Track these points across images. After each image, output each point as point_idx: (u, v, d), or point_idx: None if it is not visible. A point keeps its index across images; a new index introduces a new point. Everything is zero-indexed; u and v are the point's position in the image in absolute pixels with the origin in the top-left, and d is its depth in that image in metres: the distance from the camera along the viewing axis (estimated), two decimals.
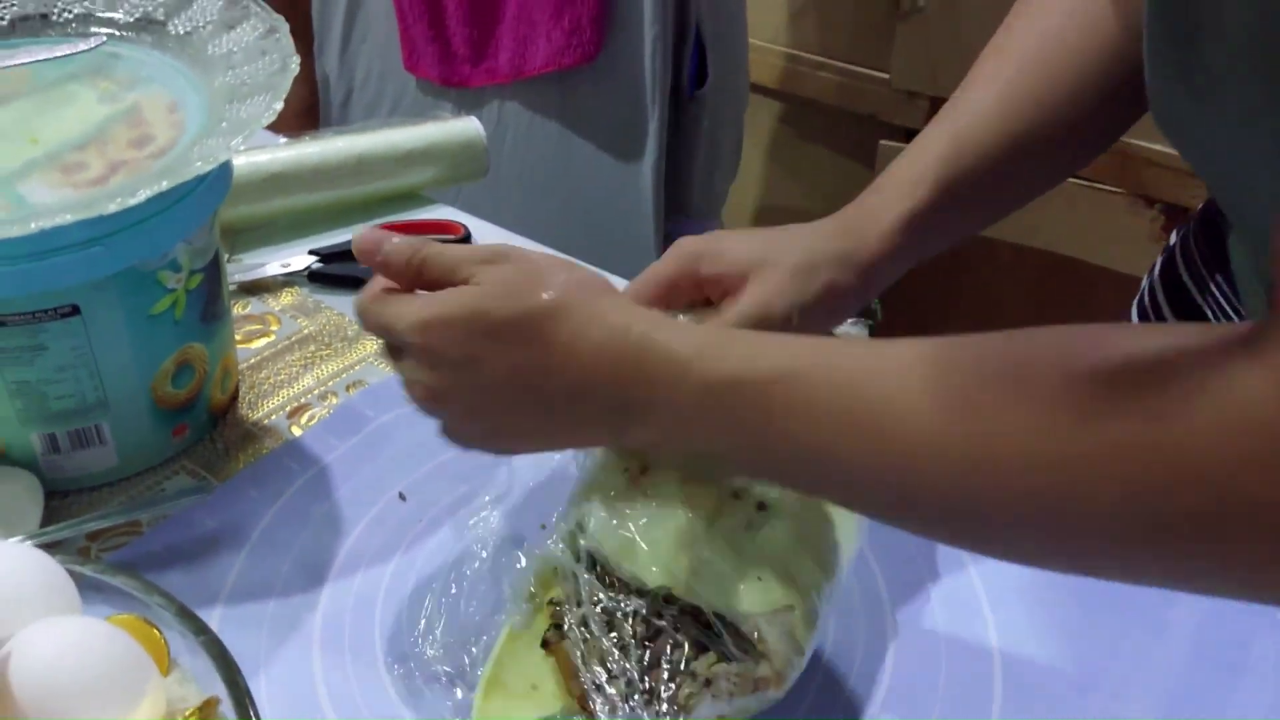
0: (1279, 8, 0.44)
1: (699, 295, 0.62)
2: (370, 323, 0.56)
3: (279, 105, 0.63)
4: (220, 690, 0.43)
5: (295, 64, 0.66)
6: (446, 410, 0.55)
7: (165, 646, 0.45)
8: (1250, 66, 0.46)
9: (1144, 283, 0.80)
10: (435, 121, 0.98)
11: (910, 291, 2.05)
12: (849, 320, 0.68)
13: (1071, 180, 1.67)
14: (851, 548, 0.57)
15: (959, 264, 1.82)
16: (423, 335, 0.52)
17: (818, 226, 0.63)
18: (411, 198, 0.98)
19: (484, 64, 1.08)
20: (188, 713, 0.42)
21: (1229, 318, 0.71)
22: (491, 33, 1.06)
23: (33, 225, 0.54)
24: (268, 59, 0.68)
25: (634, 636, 0.52)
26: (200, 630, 0.44)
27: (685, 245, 0.62)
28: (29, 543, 0.60)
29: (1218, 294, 0.72)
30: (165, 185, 0.57)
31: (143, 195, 0.56)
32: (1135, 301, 0.81)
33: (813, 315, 0.60)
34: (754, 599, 0.52)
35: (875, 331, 0.74)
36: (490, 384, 0.52)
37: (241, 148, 0.60)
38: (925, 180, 0.62)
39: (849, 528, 0.57)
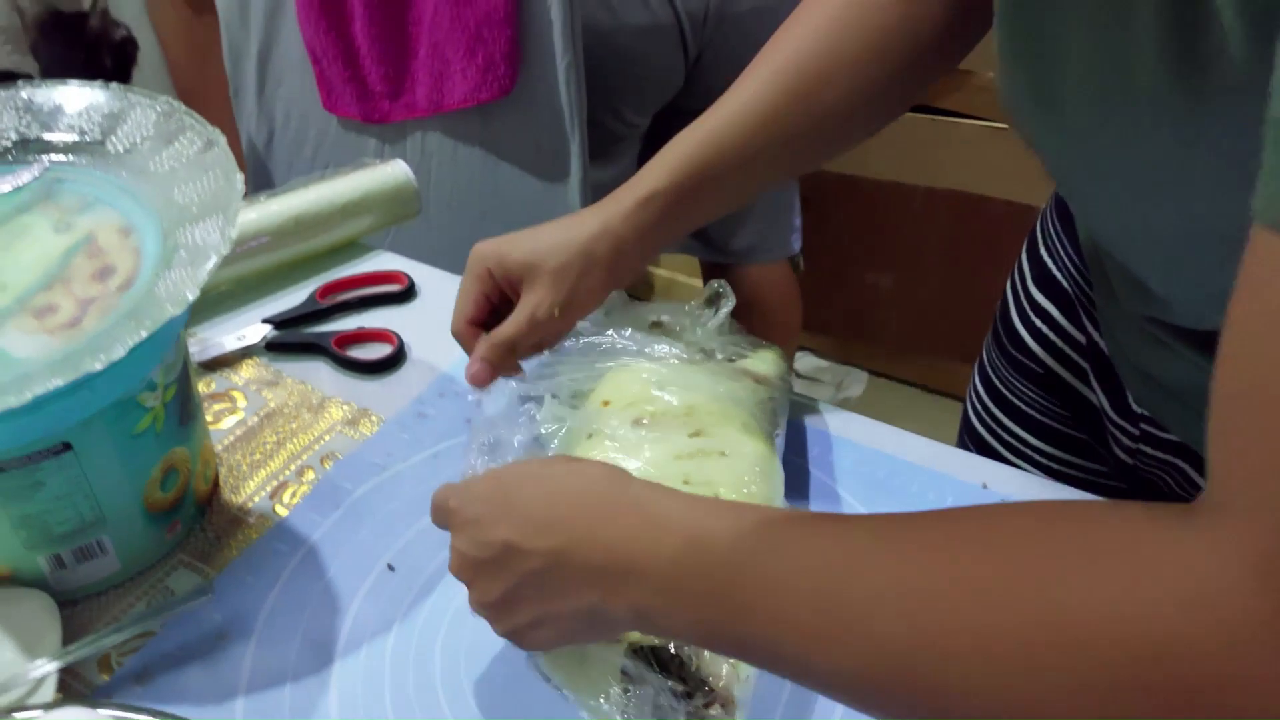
0: (1115, 40, 0.49)
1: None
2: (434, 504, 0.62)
3: (233, 233, 0.67)
4: None
5: (240, 181, 0.70)
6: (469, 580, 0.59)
7: None
8: (1089, 94, 0.52)
9: (1018, 259, 0.88)
10: (363, 169, 1.02)
11: (830, 239, 2.10)
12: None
13: (972, 122, 1.73)
14: None
15: (874, 210, 1.89)
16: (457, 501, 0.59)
17: (582, 214, 0.75)
18: (351, 247, 1.02)
19: (402, 99, 1.10)
20: None
21: (1078, 284, 0.80)
22: (406, 69, 1.08)
23: (28, 395, 0.58)
24: (210, 175, 0.71)
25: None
26: None
27: (477, 251, 0.74)
28: (55, 665, 0.65)
29: (1067, 262, 0.81)
30: (144, 334, 0.61)
31: (120, 351, 0.60)
32: (1011, 273, 0.89)
33: (576, 302, 0.74)
34: None
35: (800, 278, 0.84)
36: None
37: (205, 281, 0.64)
38: (668, 169, 0.73)
39: None
